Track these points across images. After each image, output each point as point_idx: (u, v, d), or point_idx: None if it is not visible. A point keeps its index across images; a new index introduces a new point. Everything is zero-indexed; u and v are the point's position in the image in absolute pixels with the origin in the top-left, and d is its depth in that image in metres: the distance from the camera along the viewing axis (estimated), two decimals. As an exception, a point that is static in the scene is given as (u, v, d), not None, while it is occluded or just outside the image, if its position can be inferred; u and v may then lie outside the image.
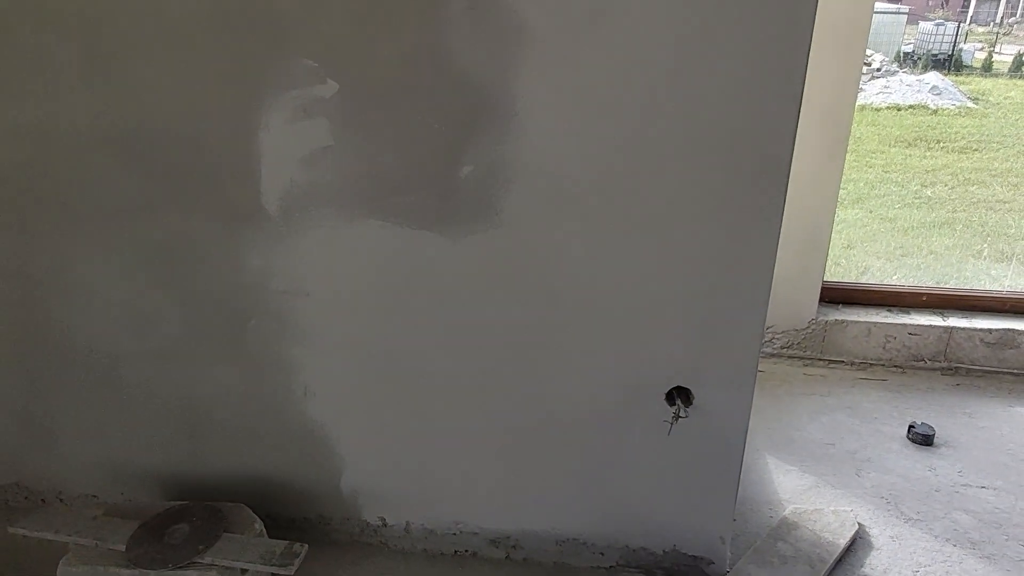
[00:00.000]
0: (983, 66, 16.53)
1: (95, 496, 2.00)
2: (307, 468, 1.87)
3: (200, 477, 1.92)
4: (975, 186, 8.11)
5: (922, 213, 6.64)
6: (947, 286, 3.05)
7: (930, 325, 2.84)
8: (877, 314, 2.90)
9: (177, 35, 1.48)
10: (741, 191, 1.46)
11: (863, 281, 3.06)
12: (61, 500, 2.03)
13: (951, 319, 2.86)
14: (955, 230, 6.10)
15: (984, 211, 6.78)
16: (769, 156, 1.43)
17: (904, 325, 2.85)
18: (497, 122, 1.47)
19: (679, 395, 1.65)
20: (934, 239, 5.82)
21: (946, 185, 7.92)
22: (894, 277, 4.41)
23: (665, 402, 1.65)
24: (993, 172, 8.76)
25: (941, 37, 16.70)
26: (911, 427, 2.46)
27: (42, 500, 2.05)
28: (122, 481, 1.97)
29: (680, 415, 1.60)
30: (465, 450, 1.78)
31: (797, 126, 1.41)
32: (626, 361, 1.63)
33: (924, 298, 2.95)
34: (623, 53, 1.40)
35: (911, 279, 4.65)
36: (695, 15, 1.36)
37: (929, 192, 7.47)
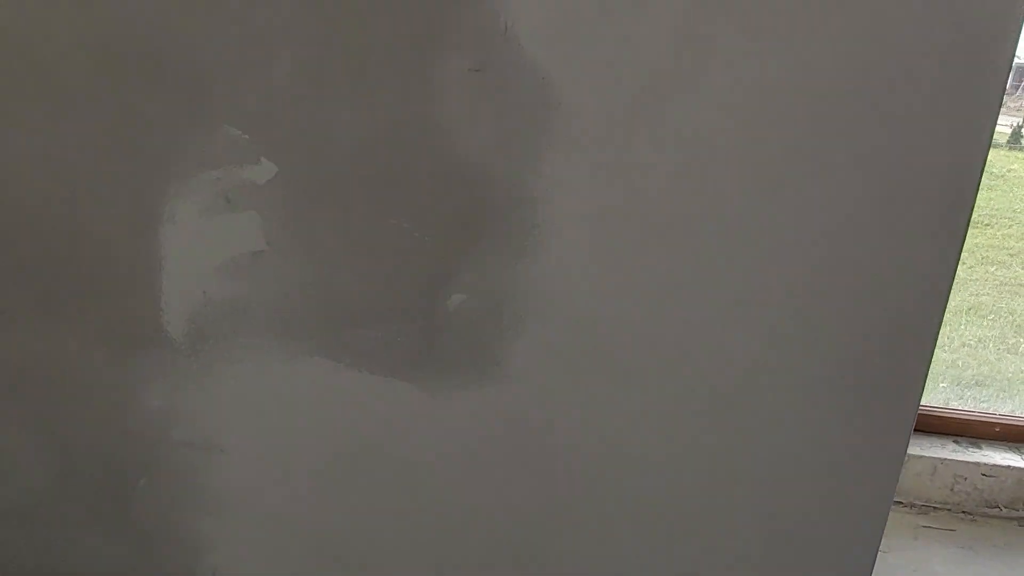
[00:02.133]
0: (985, 137, 16.45)
1: None
2: (215, 673, 1.35)
3: (70, 671, 1.40)
4: (994, 266, 7.73)
5: (945, 296, 6.25)
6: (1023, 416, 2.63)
7: (1008, 466, 2.38)
8: (944, 447, 2.44)
9: (51, 88, 1.01)
10: (860, 360, 1.00)
11: (925, 404, 2.63)
12: None
13: (1032, 458, 2.41)
14: (984, 318, 5.68)
15: (1010, 297, 6.37)
16: (911, 314, 0.97)
17: (977, 464, 2.39)
18: (507, 235, 1.00)
19: (744, 626, 1.15)
20: (963, 328, 5.39)
21: (964, 263, 7.53)
22: (940, 384, 3.97)
23: (724, 636, 1.16)
24: (1010, 251, 8.40)
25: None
26: (999, 608, 1.96)
27: None
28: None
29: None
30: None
31: (953, 280, 0.96)
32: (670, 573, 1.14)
33: (997, 429, 2.50)
34: (704, 149, 0.95)
35: (950, 379, 4.20)
36: (817, 103, 0.91)
37: (949, 272, 7.11)
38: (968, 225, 0.99)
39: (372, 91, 0.97)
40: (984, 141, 0.96)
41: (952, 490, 2.41)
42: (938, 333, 1.03)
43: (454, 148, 0.98)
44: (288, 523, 1.21)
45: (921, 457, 2.40)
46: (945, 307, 1.02)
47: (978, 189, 0.97)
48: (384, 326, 1.06)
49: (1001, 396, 4.14)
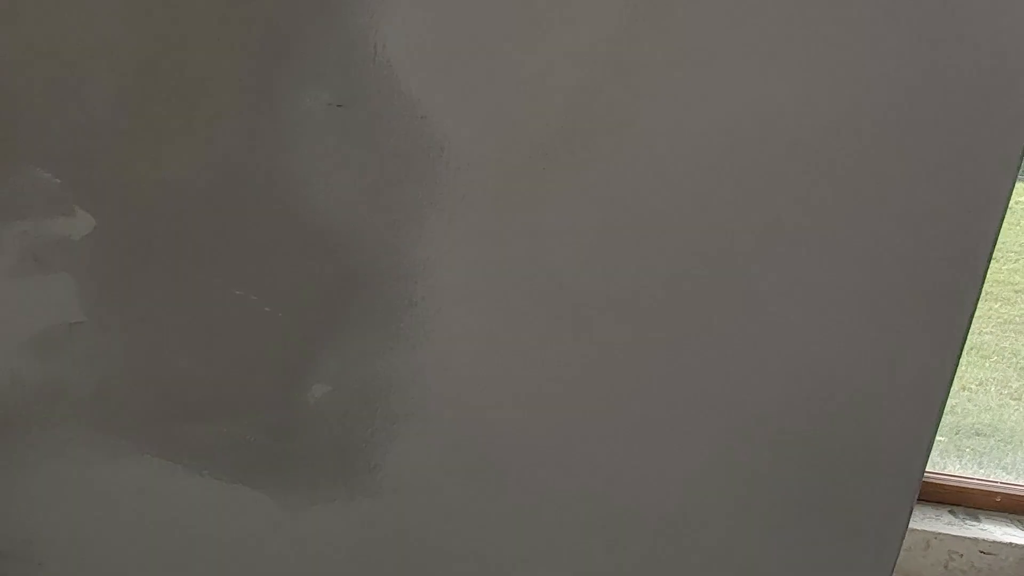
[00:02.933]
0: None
1: None
2: None
3: None
4: (999, 303, 7.49)
5: (946, 333, 6.02)
6: (1027, 484, 2.41)
7: (1009, 543, 2.16)
8: (939, 520, 2.22)
9: None
10: (852, 431, 0.80)
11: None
12: None
13: (1036, 534, 2.18)
14: (987, 359, 5.46)
15: (1015, 336, 6.15)
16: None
17: (974, 540, 2.16)
18: (379, 313, 0.80)
19: None
20: (964, 369, 5.16)
21: (967, 300, 7.33)
22: (938, 437, 3.75)
23: None
24: (1016, 288, 8.15)
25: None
26: None
27: None
28: None
29: None
30: None
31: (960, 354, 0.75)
32: None
33: (999, 499, 2.28)
34: (627, 208, 0.74)
35: (948, 428, 3.96)
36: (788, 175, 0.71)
37: (951, 307, 6.89)
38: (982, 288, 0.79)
39: (210, 129, 0.77)
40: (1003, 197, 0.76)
41: (947, 567, 2.19)
42: (946, 401, 0.84)
43: (312, 203, 0.77)
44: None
45: (913, 530, 2.17)
46: (952, 380, 0.83)
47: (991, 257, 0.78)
48: (229, 421, 0.85)
49: (1003, 448, 3.89)
